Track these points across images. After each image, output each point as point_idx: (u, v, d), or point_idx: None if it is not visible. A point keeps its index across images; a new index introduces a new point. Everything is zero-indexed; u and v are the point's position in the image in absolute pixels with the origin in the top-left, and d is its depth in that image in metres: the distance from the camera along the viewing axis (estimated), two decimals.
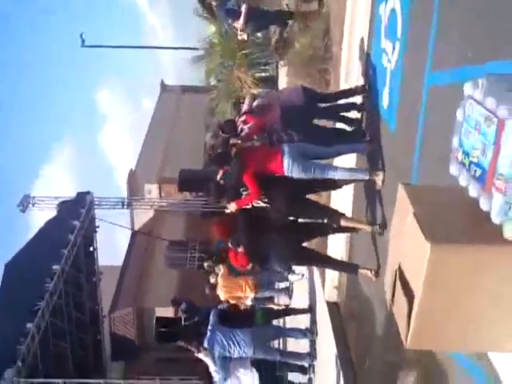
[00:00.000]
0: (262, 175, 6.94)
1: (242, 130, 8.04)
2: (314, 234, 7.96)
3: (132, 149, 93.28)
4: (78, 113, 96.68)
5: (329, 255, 8.25)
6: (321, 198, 8.88)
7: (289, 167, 6.81)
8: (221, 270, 10.64)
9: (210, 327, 9.09)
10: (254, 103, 8.20)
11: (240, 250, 7.93)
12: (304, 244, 7.70)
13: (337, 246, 8.80)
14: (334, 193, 8.83)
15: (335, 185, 7.43)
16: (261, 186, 6.94)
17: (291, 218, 7.66)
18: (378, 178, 6.74)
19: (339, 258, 8.47)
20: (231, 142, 7.65)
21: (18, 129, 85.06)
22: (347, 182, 7.44)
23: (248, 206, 7.37)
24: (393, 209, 2.98)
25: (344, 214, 7.38)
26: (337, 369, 8.28)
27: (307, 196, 7.52)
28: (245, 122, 7.91)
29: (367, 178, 6.93)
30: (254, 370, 9.26)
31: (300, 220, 7.86)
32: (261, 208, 7.42)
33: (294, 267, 11.32)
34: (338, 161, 8.20)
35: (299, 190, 7.25)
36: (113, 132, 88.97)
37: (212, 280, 10.87)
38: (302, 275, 11.75)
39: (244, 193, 7.10)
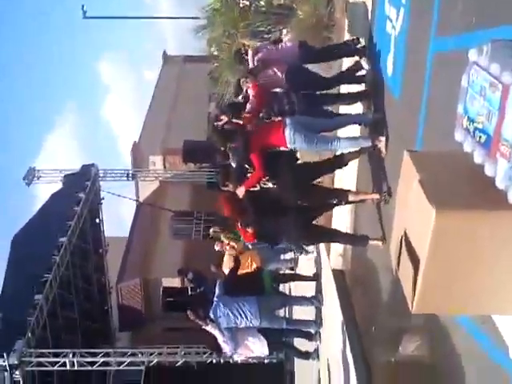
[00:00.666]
0: (268, 157, 6.96)
1: (247, 92, 8.08)
2: (321, 211, 7.97)
3: (135, 120, 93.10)
4: (81, 84, 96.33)
5: (337, 229, 8.27)
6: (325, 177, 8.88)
7: (291, 138, 6.81)
8: (232, 247, 10.62)
9: (215, 299, 9.12)
10: (257, 56, 8.15)
11: (250, 230, 7.95)
12: (312, 222, 7.71)
13: (341, 216, 8.83)
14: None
15: (341, 163, 7.42)
16: (267, 169, 6.96)
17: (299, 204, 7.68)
18: (381, 144, 6.73)
19: (344, 229, 8.51)
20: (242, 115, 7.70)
21: (20, 101, 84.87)
22: (351, 157, 7.46)
23: (256, 188, 7.40)
24: (397, 178, 2.99)
25: (350, 190, 7.38)
26: (343, 335, 8.35)
27: (313, 181, 7.52)
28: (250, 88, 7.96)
29: (370, 144, 6.93)
30: (262, 337, 9.33)
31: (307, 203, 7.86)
32: (268, 189, 7.45)
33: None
34: (341, 132, 8.21)
35: (305, 176, 7.25)
36: (116, 103, 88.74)
37: (217, 248, 10.89)
38: (313, 252, 11.78)
39: (249, 175, 7.12)
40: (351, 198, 7.21)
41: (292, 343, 11.48)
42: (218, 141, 7.68)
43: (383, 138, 6.74)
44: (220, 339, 9.09)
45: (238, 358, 9.48)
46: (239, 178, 7.36)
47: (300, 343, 11.27)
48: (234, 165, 7.54)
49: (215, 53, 16.63)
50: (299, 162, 7.70)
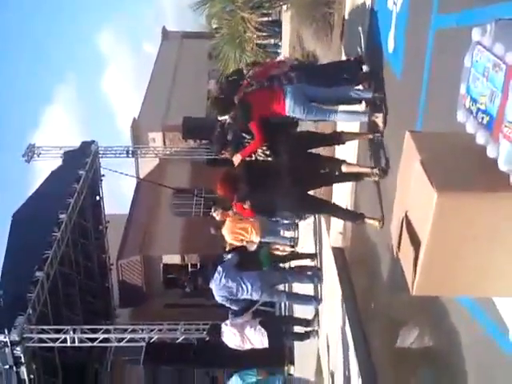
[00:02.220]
0: (266, 125, 6.98)
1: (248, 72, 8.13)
2: (317, 182, 7.95)
3: (134, 93, 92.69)
4: (80, 55, 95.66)
5: (334, 203, 8.29)
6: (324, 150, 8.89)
7: (290, 108, 6.88)
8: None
9: (220, 268, 9.14)
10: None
11: (246, 206, 7.94)
12: (309, 192, 7.71)
13: (342, 197, 8.83)
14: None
15: (339, 139, 7.43)
16: (266, 136, 6.98)
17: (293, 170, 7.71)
18: (379, 120, 6.76)
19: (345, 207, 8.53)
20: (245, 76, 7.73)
21: (18, 74, 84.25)
22: (350, 137, 7.47)
23: (252, 158, 7.40)
24: (396, 156, 2.97)
25: (345, 161, 7.38)
26: (342, 312, 8.40)
27: (309, 148, 7.52)
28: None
29: (367, 120, 6.97)
30: (262, 329, 9.37)
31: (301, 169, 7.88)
32: (263, 161, 7.45)
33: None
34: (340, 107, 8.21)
35: (302, 143, 7.26)
36: (115, 75, 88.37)
37: (217, 218, 10.90)
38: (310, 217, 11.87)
39: (247, 144, 7.13)
40: (344, 168, 7.21)
41: (291, 330, 11.52)
42: (218, 109, 7.71)
43: (381, 115, 6.76)
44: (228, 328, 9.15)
45: (238, 348, 9.50)
46: (237, 145, 7.37)
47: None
48: (229, 136, 7.58)
49: (215, 26, 16.52)
50: (298, 129, 7.77)
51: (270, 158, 7.46)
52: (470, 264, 2.58)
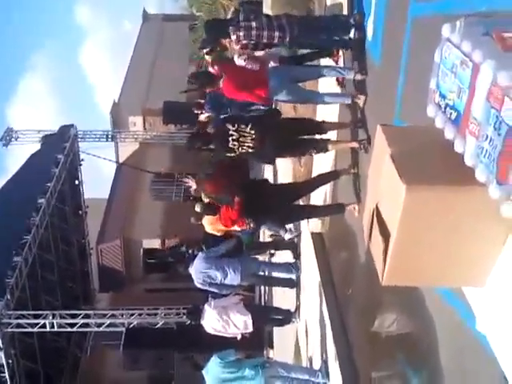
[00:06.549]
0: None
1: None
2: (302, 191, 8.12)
3: (112, 69, 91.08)
4: (57, 28, 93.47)
5: (315, 205, 8.57)
6: None
7: (274, 90, 6.95)
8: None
9: (201, 254, 9.18)
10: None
11: (236, 199, 7.89)
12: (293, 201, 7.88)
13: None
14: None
15: (321, 128, 7.46)
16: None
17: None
18: (360, 101, 6.88)
19: (323, 197, 8.64)
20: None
21: None
22: (333, 127, 7.54)
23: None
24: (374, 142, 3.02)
25: (329, 140, 7.44)
26: (320, 297, 8.48)
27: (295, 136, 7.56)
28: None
29: (349, 102, 7.10)
30: (247, 312, 9.35)
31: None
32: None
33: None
34: (323, 88, 8.30)
35: (288, 133, 7.30)
36: (92, 50, 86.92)
37: (197, 209, 10.85)
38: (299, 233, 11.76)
39: (231, 139, 7.07)
40: (330, 147, 7.31)
41: (273, 317, 11.54)
42: (198, 80, 7.68)
43: (362, 97, 6.84)
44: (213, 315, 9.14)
45: (216, 333, 9.48)
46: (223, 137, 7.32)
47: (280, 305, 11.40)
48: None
49: (197, 14, 16.44)
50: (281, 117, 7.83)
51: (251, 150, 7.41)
52: (437, 255, 2.64)
